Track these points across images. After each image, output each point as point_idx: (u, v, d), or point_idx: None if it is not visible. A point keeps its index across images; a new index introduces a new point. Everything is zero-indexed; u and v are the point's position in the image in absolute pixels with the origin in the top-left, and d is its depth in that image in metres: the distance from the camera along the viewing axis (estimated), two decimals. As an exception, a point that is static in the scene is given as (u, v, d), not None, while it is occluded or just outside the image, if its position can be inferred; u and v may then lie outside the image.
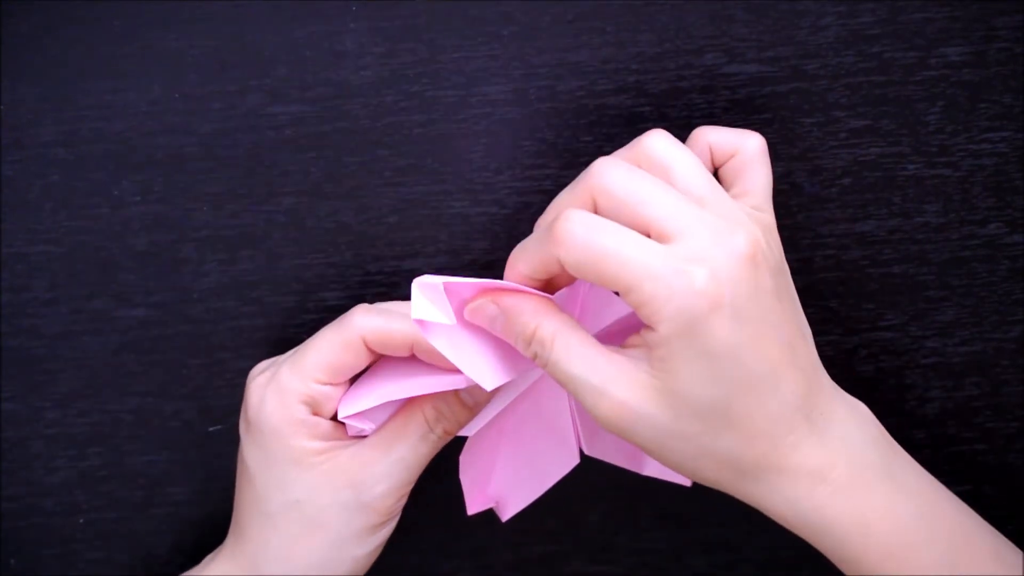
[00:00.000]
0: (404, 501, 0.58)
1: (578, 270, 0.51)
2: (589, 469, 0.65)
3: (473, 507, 0.62)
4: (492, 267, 0.64)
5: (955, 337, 0.64)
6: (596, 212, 0.52)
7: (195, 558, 0.64)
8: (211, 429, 0.65)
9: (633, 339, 0.52)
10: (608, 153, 0.62)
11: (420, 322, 0.53)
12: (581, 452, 0.62)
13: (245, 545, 0.58)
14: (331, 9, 0.62)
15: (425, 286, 0.53)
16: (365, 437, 0.58)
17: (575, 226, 0.51)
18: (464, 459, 0.61)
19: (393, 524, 0.59)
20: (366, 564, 0.59)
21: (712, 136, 0.56)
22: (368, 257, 0.64)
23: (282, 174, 0.63)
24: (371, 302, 0.62)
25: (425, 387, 0.57)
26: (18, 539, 0.66)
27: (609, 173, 0.52)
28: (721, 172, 0.56)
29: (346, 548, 0.57)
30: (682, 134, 0.62)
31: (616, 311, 0.58)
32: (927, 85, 0.62)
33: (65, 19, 0.62)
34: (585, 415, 0.60)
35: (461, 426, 0.59)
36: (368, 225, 0.63)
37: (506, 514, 0.62)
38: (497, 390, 0.57)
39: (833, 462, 0.52)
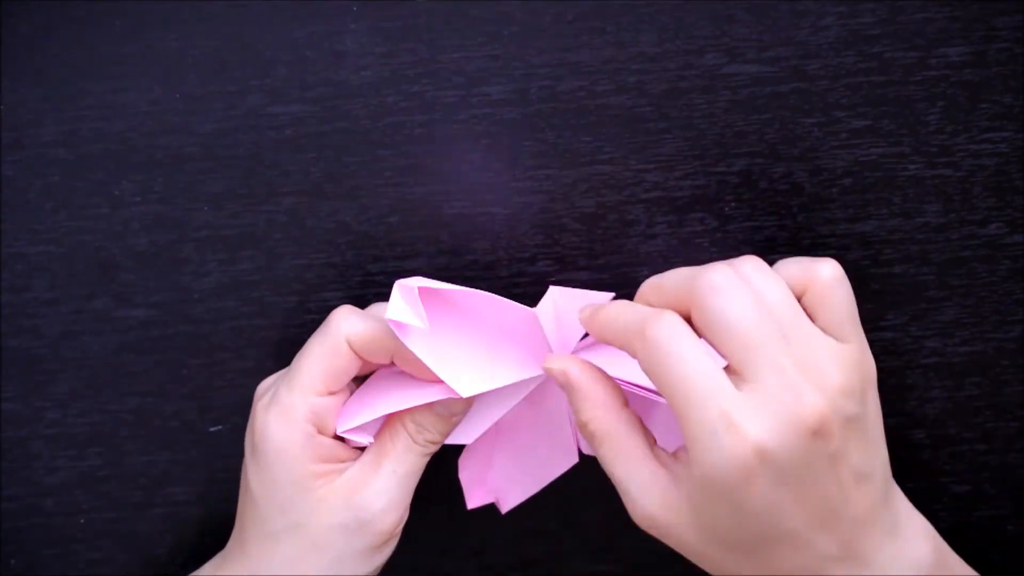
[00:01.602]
0: (404, 519, 0.58)
1: (649, 368, 0.51)
2: (589, 469, 0.65)
3: (472, 502, 0.62)
4: (492, 267, 0.64)
5: (956, 337, 0.64)
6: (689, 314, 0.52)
7: (195, 558, 0.65)
8: (211, 429, 0.65)
9: (683, 455, 0.52)
10: (607, 153, 0.62)
11: (396, 324, 0.54)
12: (580, 451, 0.62)
13: (247, 561, 0.58)
14: (331, 9, 0.62)
15: (404, 288, 0.54)
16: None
17: (663, 322, 0.50)
18: (463, 457, 0.62)
19: (394, 543, 0.59)
20: None
21: (784, 270, 0.53)
22: (368, 257, 0.64)
23: (283, 174, 0.63)
24: (372, 302, 0.62)
25: (411, 399, 0.57)
26: (18, 539, 0.66)
27: (718, 293, 0.51)
28: (802, 304, 0.53)
29: (347, 567, 0.57)
30: (683, 135, 0.62)
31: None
32: (927, 85, 0.62)
33: (65, 19, 0.62)
34: None
35: (444, 435, 0.59)
36: (369, 225, 0.63)
37: (506, 507, 0.63)
38: (477, 398, 0.58)
39: None
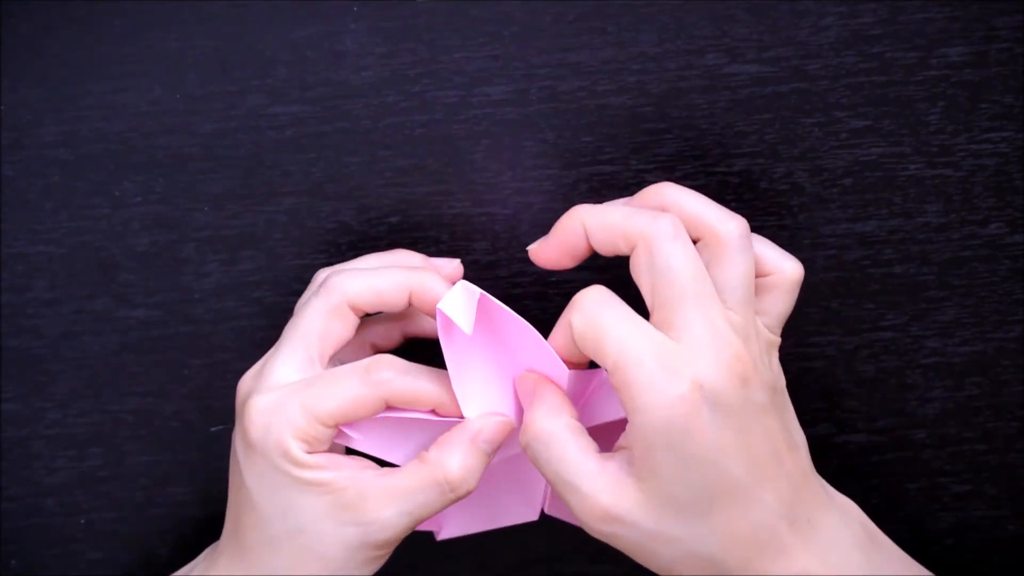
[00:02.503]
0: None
1: (581, 340, 0.52)
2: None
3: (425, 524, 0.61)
4: (493, 267, 0.64)
5: (956, 337, 0.64)
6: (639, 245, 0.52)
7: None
8: (212, 429, 0.65)
9: (621, 439, 0.53)
10: (608, 153, 0.62)
11: (444, 321, 0.53)
12: (542, 512, 0.61)
13: (243, 559, 0.57)
14: (332, 9, 0.62)
15: (467, 289, 0.54)
16: (350, 451, 0.57)
17: (588, 298, 0.52)
18: None
19: (391, 550, 0.57)
20: None
21: (760, 249, 0.55)
22: (369, 257, 0.64)
23: (283, 174, 0.63)
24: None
25: (429, 419, 0.56)
26: (19, 539, 0.66)
27: (662, 229, 0.52)
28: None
29: (347, 570, 0.56)
30: (683, 134, 0.62)
31: (617, 411, 0.57)
32: (928, 85, 0.62)
33: (65, 19, 0.62)
34: None
35: (474, 477, 0.56)
36: (369, 225, 0.63)
37: (442, 534, 0.61)
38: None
39: (814, 569, 0.52)
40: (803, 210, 0.63)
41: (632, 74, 0.62)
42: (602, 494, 0.52)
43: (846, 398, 0.64)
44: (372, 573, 0.57)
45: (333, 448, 0.56)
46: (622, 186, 0.63)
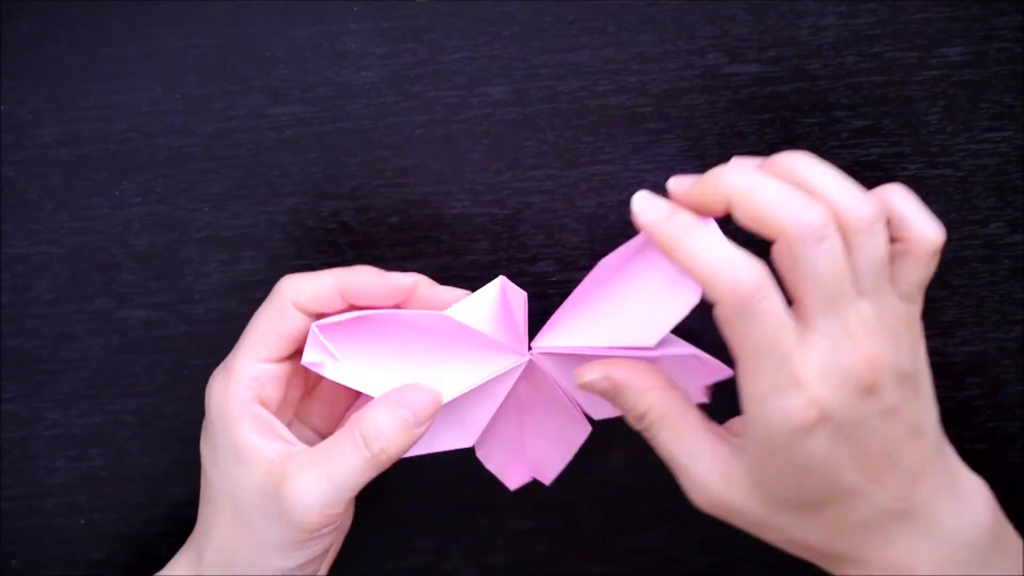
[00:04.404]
0: (337, 524, 0.56)
1: (726, 323, 0.50)
2: (589, 470, 0.65)
3: (513, 482, 0.62)
4: (493, 267, 0.64)
5: (956, 337, 0.64)
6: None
7: (196, 558, 0.65)
8: (212, 429, 0.65)
9: (736, 424, 0.53)
10: (608, 153, 0.62)
11: (314, 365, 0.56)
12: (590, 419, 0.62)
13: (196, 534, 0.59)
14: (332, 9, 0.62)
15: (312, 332, 0.56)
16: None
17: (746, 288, 0.49)
18: (482, 452, 0.62)
19: (323, 544, 0.57)
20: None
21: (902, 205, 0.52)
22: (369, 258, 0.64)
23: (283, 174, 0.63)
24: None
25: (405, 313, 0.57)
26: (19, 540, 0.66)
27: (809, 229, 0.50)
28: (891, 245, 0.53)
29: (270, 556, 0.56)
30: (684, 134, 0.62)
31: (690, 376, 0.58)
32: (928, 85, 0.62)
33: (66, 20, 0.62)
34: (580, 394, 0.60)
35: (403, 448, 0.56)
36: (369, 225, 0.63)
37: (549, 478, 0.63)
38: (461, 404, 0.58)
39: (920, 562, 0.52)
40: (803, 210, 0.63)
41: (632, 74, 0.62)
42: (714, 481, 0.52)
43: (846, 398, 0.65)
44: (298, 566, 0.56)
45: (282, 437, 0.57)
46: (622, 186, 0.63)
